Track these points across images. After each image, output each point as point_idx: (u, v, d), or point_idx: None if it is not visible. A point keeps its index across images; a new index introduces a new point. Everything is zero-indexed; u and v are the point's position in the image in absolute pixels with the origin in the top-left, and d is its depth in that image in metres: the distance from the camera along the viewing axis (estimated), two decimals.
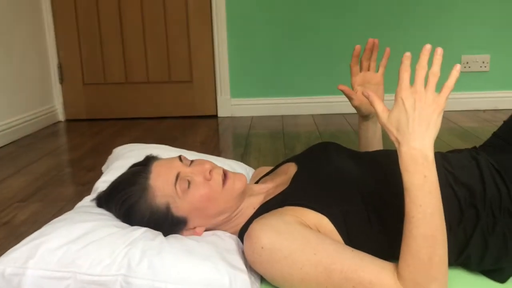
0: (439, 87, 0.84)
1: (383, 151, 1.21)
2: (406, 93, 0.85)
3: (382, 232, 0.99)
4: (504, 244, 0.98)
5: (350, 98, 1.32)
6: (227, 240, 1.05)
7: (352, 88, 1.32)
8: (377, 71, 1.32)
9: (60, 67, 3.23)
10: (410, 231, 0.85)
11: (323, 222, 0.98)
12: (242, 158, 2.16)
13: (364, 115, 1.36)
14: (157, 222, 1.04)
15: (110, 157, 1.58)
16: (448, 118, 2.88)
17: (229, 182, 1.06)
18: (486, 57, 3.17)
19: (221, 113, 3.28)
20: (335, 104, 3.17)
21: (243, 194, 1.09)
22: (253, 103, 3.28)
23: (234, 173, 1.10)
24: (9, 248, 0.98)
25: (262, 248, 0.91)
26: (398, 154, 0.87)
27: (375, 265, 0.88)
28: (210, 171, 1.06)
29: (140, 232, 1.00)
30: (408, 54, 0.86)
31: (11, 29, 2.74)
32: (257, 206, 1.10)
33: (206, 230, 1.09)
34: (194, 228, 1.07)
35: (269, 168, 1.38)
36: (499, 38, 3.14)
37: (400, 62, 0.87)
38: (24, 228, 1.46)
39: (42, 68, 3.11)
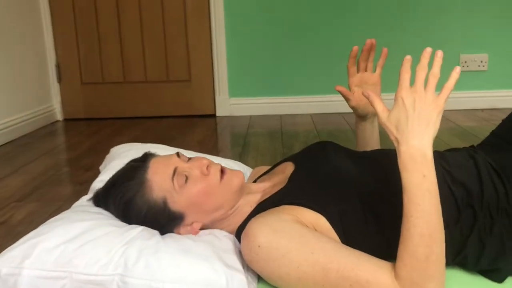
0: (438, 89, 0.85)
1: (381, 151, 1.21)
2: (406, 93, 0.86)
3: (380, 232, 0.99)
4: (501, 245, 0.98)
5: (347, 99, 1.32)
6: (224, 240, 1.05)
7: (349, 88, 1.32)
8: (374, 71, 1.32)
9: (58, 66, 3.23)
10: (408, 229, 0.85)
11: (320, 221, 0.98)
12: (240, 157, 2.16)
13: (361, 116, 1.36)
14: (154, 217, 1.04)
15: (108, 157, 1.57)
16: (446, 117, 2.88)
17: (226, 177, 1.07)
18: (484, 56, 3.17)
19: (220, 112, 3.28)
20: (333, 103, 3.16)
21: (241, 190, 1.09)
22: (251, 103, 3.27)
23: (231, 169, 1.10)
24: (6, 248, 0.98)
25: (259, 246, 0.91)
26: (397, 153, 0.87)
27: (372, 264, 0.88)
28: (208, 167, 1.06)
29: (137, 231, 0.99)
30: (408, 57, 0.87)
31: (9, 28, 2.74)
32: (254, 204, 1.09)
33: (203, 228, 1.09)
34: (192, 224, 1.07)
35: (267, 168, 1.38)
36: (497, 38, 3.14)
37: (399, 61, 0.88)
38: (21, 228, 1.45)
39: (40, 67, 3.11)
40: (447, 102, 0.87)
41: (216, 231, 1.08)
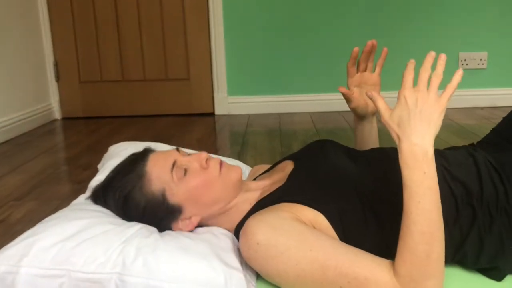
0: (441, 89, 0.86)
1: (380, 149, 1.21)
2: (410, 92, 0.87)
3: (379, 232, 0.98)
4: (500, 243, 0.98)
5: (348, 101, 1.32)
6: (222, 238, 1.04)
7: (348, 88, 1.32)
8: (373, 71, 1.32)
9: (56, 65, 3.22)
10: (408, 226, 0.85)
11: (319, 219, 0.98)
12: (239, 156, 2.15)
13: (360, 116, 1.36)
14: (153, 210, 1.04)
15: (106, 155, 1.57)
16: (446, 115, 2.86)
17: (225, 170, 1.08)
18: (484, 54, 3.17)
19: (218, 111, 3.28)
20: (332, 102, 3.16)
21: (239, 185, 1.10)
22: (250, 101, 3.27)
23: (230, 164, 1.11)
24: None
25: (258, 244, 0.90)
26: (398, 150, 0.87)
27: (371, 261, 0.88)
28: (207, 160, 1.08)
29: (135, 229, 0.99)
30: (412, 60, 0.89)
31: (7, 27, 2.73)
32: (253, 202, 1.09)
33: (202, 224, 1.09)
34: (190, 217, 1.07)
35: (266, 166, 1.38)
36: (496, 35, 3.14)
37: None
38: (19, 227, 1.45)
39: (38, 66, 3.10)
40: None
41: (214, 229, 1.08)
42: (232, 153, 2.23)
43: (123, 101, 3.28)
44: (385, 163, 1.09)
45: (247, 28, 3.17)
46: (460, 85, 3.44)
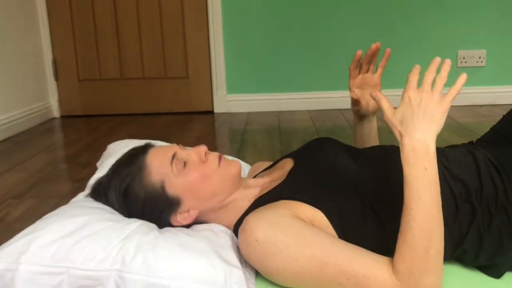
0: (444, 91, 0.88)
1: (381, 147, 1.21)
2: (414, 92, 0.89)
3: (378, 231, 0.98)
4: (499, 241, 0.98)
5: (355, 105, 1.32)
6: (222, 235, 1.04)
7: (350, 90, 1.32)
8: (375, 72, 1.32)
9: (55, 63, 3.22)
10: (408, 222, 0.85)
11: (318, 216, 0.98)
12: (238, 154, 2.15)
13: (360, 116, 1.37)
14: (152, 202, 1.04)
15: (105, 153, 1.57)
16: None
17: (224, 163, 1.09)
18: (483, 52, 3.17)
19: (217, 109, 3.27)
20: (332, 99, 3.16)
21: (238, 179, 1.10)
22: (249, 99, 3.27)
23: (229, 159, 1.12)
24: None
25: (257, 241, 0.90)
26: (400, 146, 0.88)
27: (370, 258, 0.88)
28: (206, 153, 1.09)
29: (135, 226, 0.99)
30: (417, 66, 0.92)
31: (5, 25, 2.72)
32: (252, 199, 1.09)
33: (200, 219, 1.09)
34: (188, 211, 1.07)
35: (266, 164, 1.38)
36: (495, 33, 3.14)
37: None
38: (18, 225, 1.44)
39: (37, 65, 3.09)
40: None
41: (213, 227, 1.08)
42: (231, 151, 2.23)
43: (122, 99, 3.28)
44: (385, 161, 1.09)
45: (246, 26, 3.16)
46: None
